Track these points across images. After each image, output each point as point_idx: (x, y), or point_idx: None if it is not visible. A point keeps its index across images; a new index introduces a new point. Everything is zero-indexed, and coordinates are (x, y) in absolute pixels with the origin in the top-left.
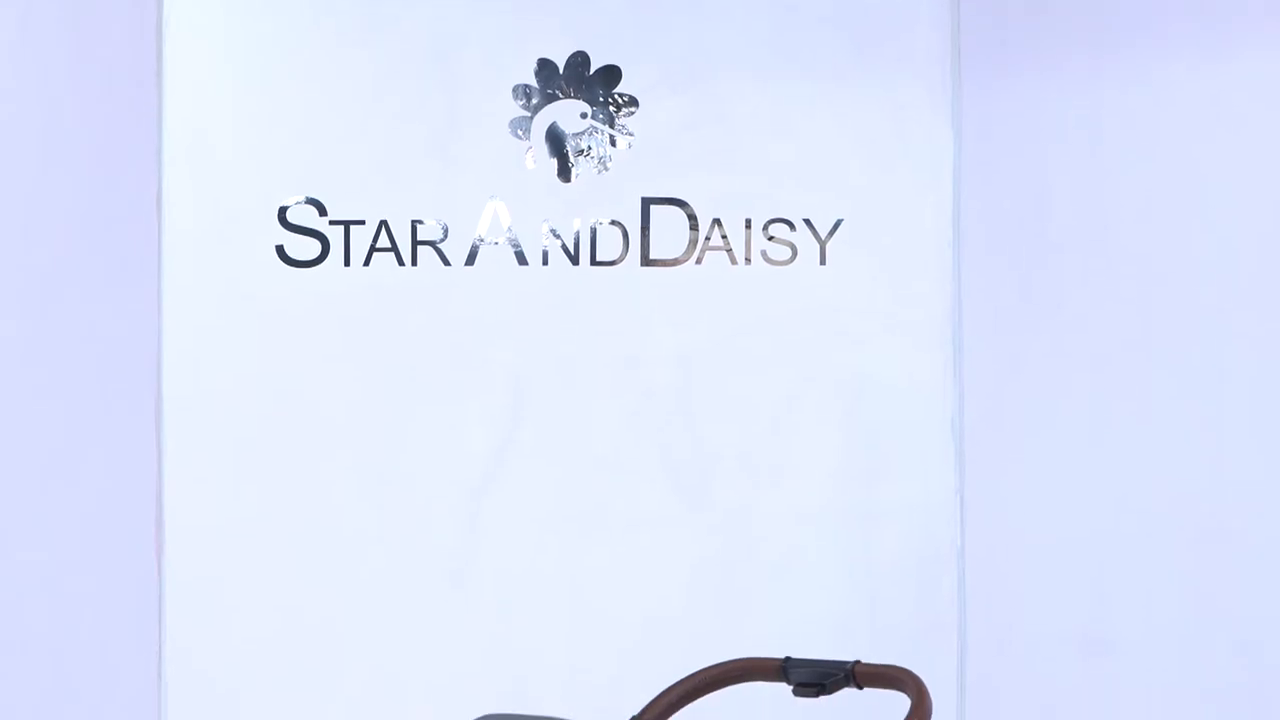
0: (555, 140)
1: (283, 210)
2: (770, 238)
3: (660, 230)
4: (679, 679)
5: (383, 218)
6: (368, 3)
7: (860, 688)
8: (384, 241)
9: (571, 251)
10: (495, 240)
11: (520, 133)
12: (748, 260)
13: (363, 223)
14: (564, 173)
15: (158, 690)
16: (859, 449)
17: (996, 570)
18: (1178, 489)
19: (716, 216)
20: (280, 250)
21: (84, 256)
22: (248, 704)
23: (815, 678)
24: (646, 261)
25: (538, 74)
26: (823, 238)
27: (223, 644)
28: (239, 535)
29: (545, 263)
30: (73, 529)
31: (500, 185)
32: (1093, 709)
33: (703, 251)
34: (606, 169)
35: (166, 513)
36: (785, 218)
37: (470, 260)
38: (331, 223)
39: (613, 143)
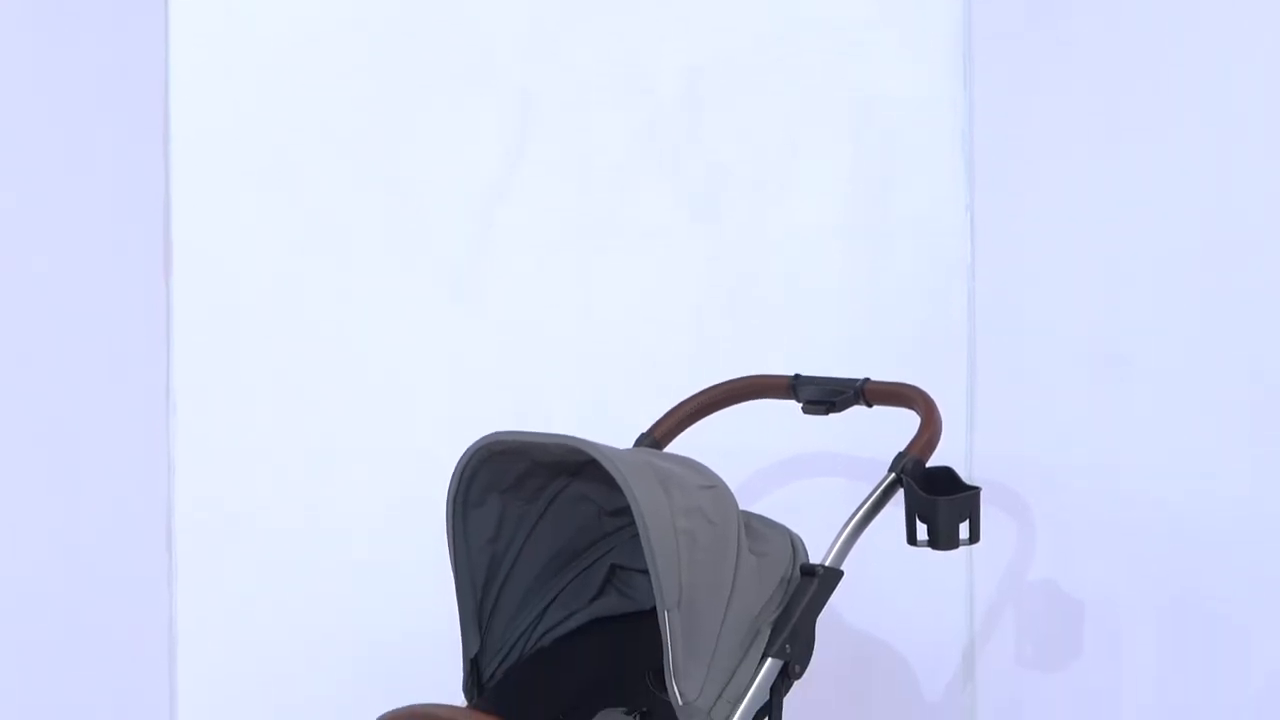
0: None
1: None
2: None
3: None
4: (688, 396)
5: None
6: None
7: (869, 405)
8: None
9: None
10: None
11: None
12: None
13: None
14: None
15: (165, 400)
16: (868, 163)
17: (1007, 286)
18: (1190, 204)
19: None
20: None
21: None
22: (249, 414)
23: (824, 395)
24: None
25: None
26: None
27: (227, 346)
28: (241, 243)
29: None
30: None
31: None
32: (1104, 425)
33: None
34: None
35: (173, 217)
36: None
37: None
38: None
39: None
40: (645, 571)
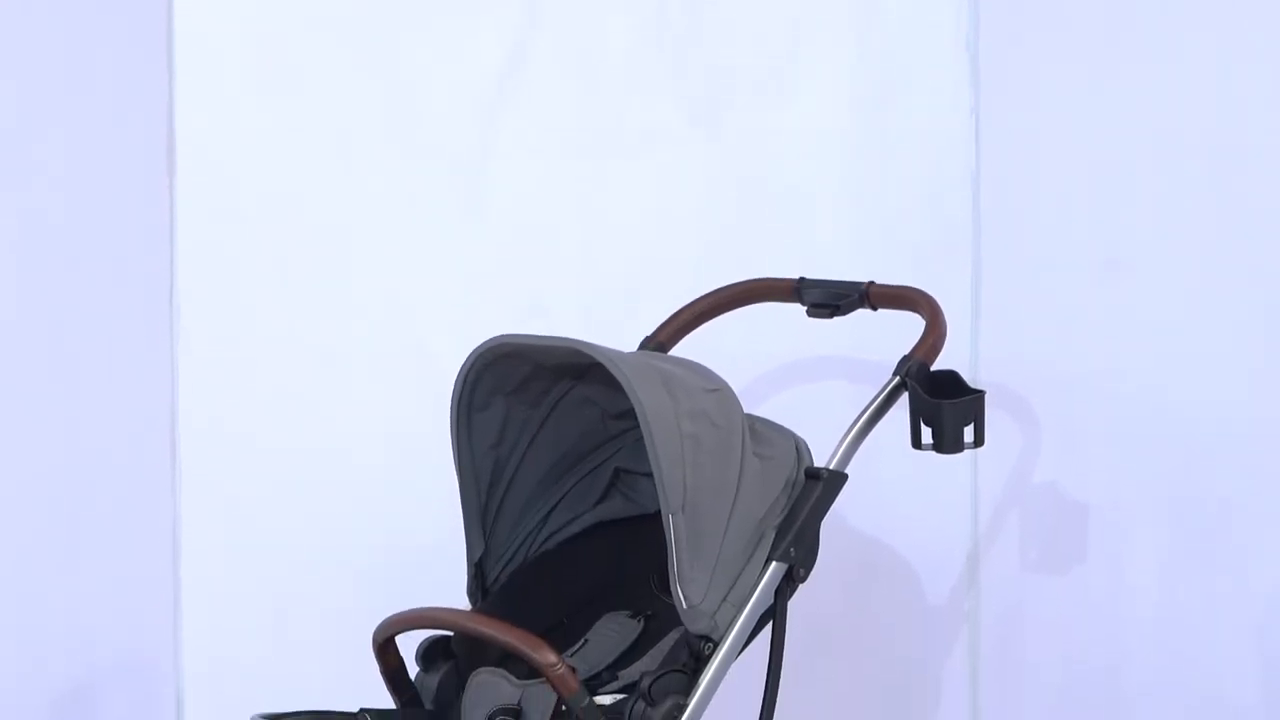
0: None
1: None
2: None
3: None
4: (693, 300)
5: None
6: None
7: (874, 308)
8: None
9: None
10: None
11: None
12: None
13: None
14: None
15: (169, 306)
16: (872, 67)
17: (1012, 190)
18: (1195, 107)
19: None
20: None
21: None
22: (253, 320)
23: (829, 298)
24: None
25: None
26: None
27: (230, 252)
28: (244, 148)
29: None
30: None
31: None
32: (1108, 329)
33: None
34: None
35: (176, 120)
36: None
37: None
38: None
39: None
40: (649, 475)
